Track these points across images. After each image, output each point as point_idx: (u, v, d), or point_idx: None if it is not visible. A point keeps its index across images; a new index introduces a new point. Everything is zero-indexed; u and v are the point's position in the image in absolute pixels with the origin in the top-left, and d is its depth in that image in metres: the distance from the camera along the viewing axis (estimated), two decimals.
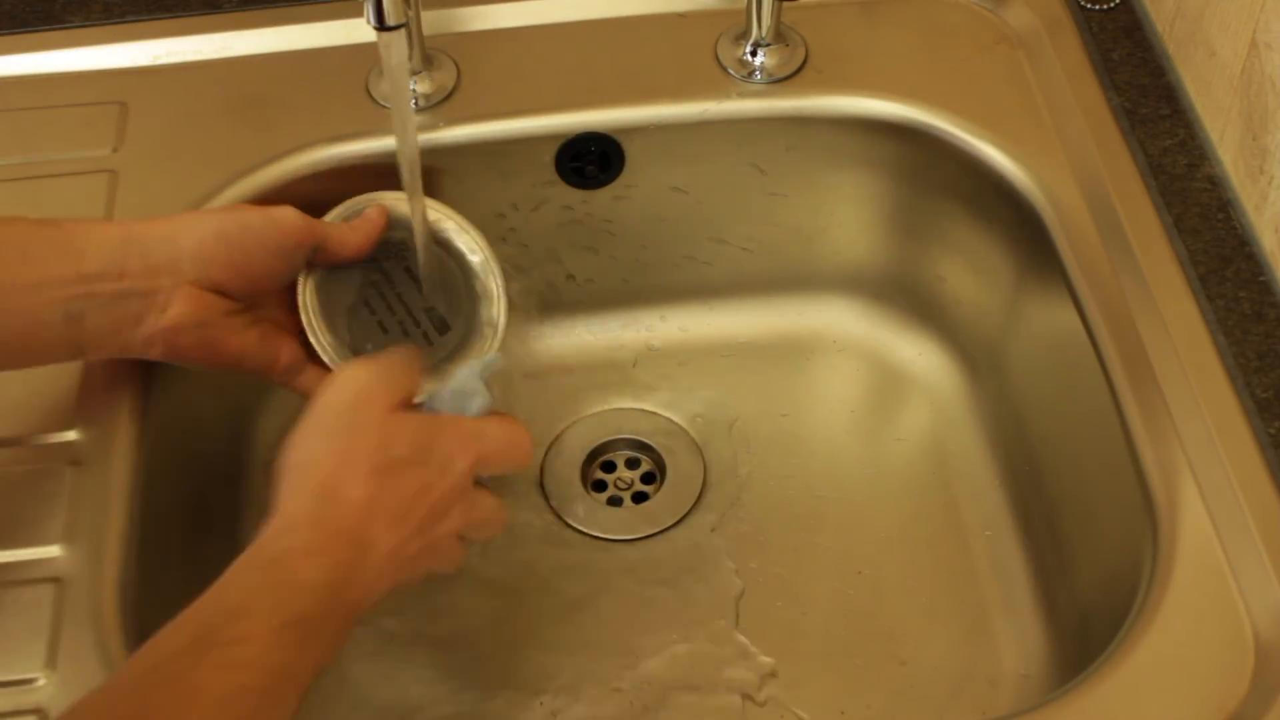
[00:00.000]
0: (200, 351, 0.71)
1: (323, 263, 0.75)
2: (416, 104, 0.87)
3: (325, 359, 0.74)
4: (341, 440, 0.63)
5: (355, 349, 0.75)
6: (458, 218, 0.80)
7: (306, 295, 0.75)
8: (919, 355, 0.95)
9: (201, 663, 0.54)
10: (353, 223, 0.76)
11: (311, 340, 0.74)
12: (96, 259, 0.67)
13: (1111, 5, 0.91)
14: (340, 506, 0.61)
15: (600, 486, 0.91)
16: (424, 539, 0.64)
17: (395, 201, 0.78)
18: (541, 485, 0.91)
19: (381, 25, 0.71)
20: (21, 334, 0.67)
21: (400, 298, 0.78)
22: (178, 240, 0.69)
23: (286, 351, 0.74)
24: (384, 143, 0.85)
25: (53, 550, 0.69)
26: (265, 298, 0.73)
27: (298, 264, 0.73)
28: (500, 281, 0.79)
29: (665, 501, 0.90)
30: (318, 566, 0.59)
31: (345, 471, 0.61)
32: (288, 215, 0.72)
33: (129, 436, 0.73)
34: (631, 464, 0.92)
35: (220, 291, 0.70)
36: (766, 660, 0.83)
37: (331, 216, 0.77)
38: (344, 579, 0.59)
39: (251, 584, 0.58)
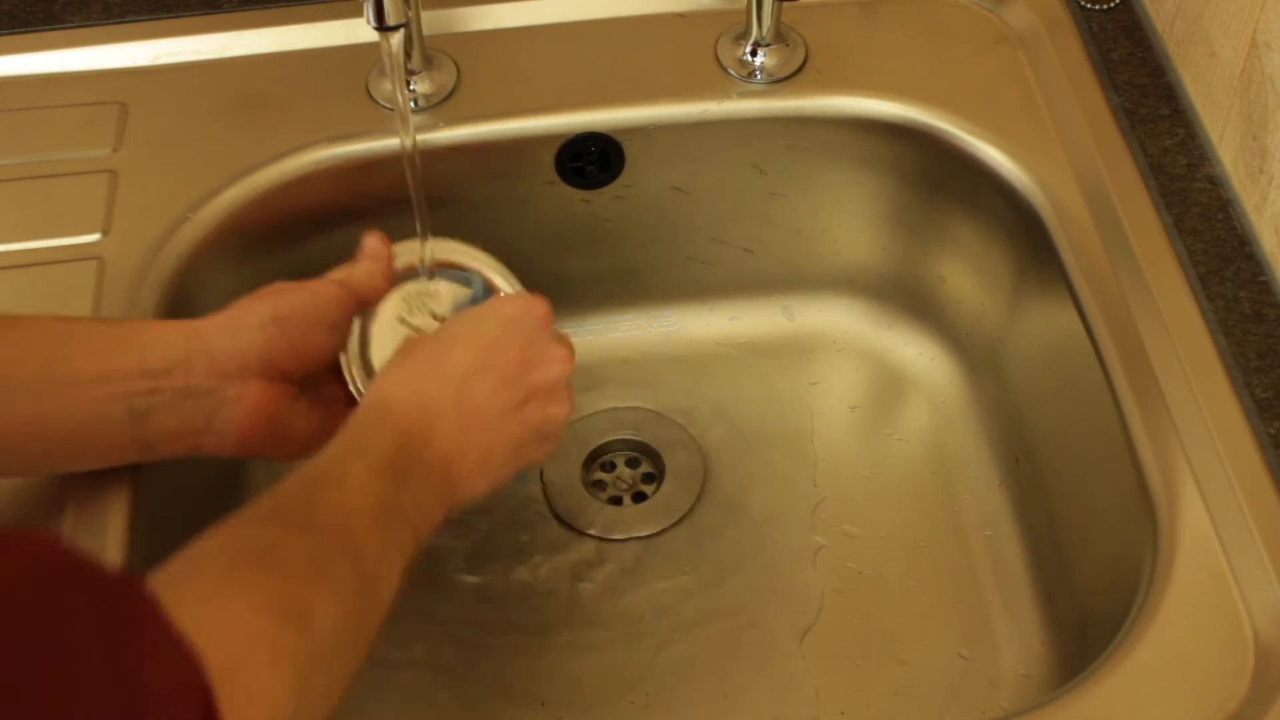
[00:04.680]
0: (272, 445, 0.70)
1: (361, 315, 0.74)
2: (416, 104, 0.87)
3: None
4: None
5: None
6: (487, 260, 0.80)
7: (350, 362, 0.74)
8: (919, 355, 0.95)
9: (314, 497, 0.59)
10: (363, 265, 0.75)
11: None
12: (160, 355, 0.66)
13: (1111, 5, 0.91)
14: (399, 390, 0.67)
15: (600, 486, 0.91)
16: (505, 397, 0.68)
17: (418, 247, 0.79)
18: (542, 485, 0.91)
19: (381, 25, 0.71)
20: (84, 429, 0.66)
21: None
22: (239, 334, 0.68)
23: None
24: (384, 143, 0.85)
25: None
26: (316, 376, 0.73)
27: (345, 334, 0.73)
28: None
29: (665, 501, 0.90)
30: (390, 427, 0.64)
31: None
32: (327, 286, 0.72)
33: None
34: (632, 464, 0.93)
35: (283, 378, 0.70)
36: (767, 660, 0.83)
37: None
38: (420, 434, 0.64)
39: (341, 448, 0.63)
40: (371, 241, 0.76)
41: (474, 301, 0.77)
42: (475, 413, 0.66)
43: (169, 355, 0.67)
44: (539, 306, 0.71)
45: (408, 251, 0.78)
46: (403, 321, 0.75)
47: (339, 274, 0.74)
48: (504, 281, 0.79)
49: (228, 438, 0.68)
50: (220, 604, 0.51)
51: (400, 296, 0.76)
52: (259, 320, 0.69)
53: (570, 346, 0.72)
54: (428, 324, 0.76)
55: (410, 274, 0.77)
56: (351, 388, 0.73)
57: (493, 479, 0.68)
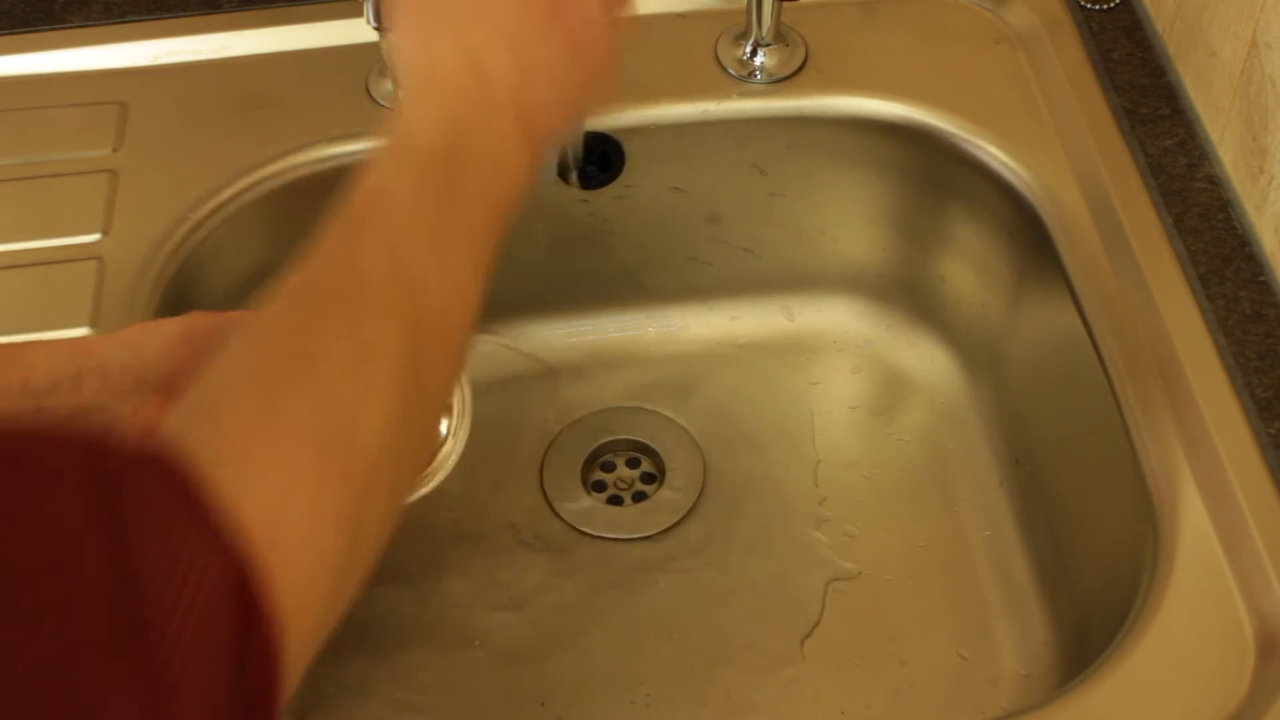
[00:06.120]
0: None
1: None
2: None
3: None
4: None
5: None
6: None
7: None
8: (919, 355, 0.95)
9: (355, 252, 0.52)
10: None
11: None
12: (46, 373, 0.63)
13: (1111, 5, 0.91)
14: (434, 49, 0.57)
15: (600, 486, 0.91)
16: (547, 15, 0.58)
17: None
18: (541, 485, 0.91)
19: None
20: None
21: None
22: (140, 349, 0.65)
23: None
24: None
25: None
26: None
27: None
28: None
29: (665, 501, 0.90)
30: (438, 95, 0.56)
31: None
32: (239, 316, 0.67)
33: None
34: (632, 464, 0.92)
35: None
36: (767, 660, 0.83)
37: None
38: (473, 89, 0.56)
39: (384, 158, 0.56)
40: None
41: None
42: (516, 29, 0.57)
43: (55, 372, 0.63)
44: None
45: None
46: None
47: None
48: None
49: None
50: (249, 441, 0.46)
51: None
52: (165, 338, 0.65)
53: None
54: None
55: None
56: None
57: (564, 98, 0.59)
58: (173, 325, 0.66)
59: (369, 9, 0.71)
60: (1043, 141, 0.85)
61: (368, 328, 0.50)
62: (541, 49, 0.58)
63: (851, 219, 0.94)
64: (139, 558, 0.38)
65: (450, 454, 0.75)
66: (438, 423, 0.52)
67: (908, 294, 0.95)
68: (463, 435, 0.75)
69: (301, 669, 0.45)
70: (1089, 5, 0.91)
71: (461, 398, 0.76)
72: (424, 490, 0.72)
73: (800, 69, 0.89)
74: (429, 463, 0.52)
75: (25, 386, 0.63)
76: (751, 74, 0.89)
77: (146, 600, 0.38)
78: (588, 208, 0.91)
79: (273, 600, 0.42)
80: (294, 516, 0.45)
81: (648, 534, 0.89)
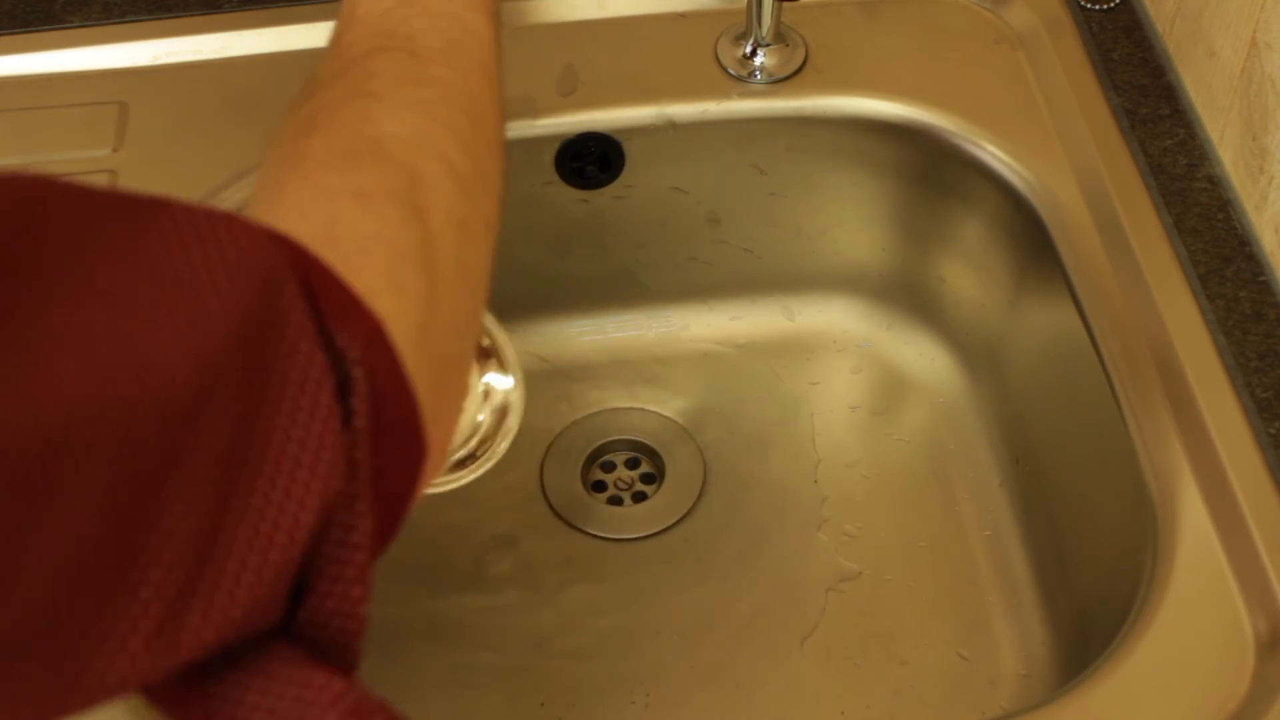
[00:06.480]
0: None
1: None
2: None
3: None
4: None
5: None
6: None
7: None
8: (919, 355, 0.95)
9: (338, 51, 0.55)
10: None
11: None
12: None
13: (1111, 5, 0.91)
14: None
15: (600, 486, 0.91)
16: None
17: None
18: (541, 485, 0.91)
19: None
20: None
21: None
22: None
23: None
24: None
25: None
26: None
27: None
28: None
29: (665, 501, 0.90)
30: None
31: None
32: None
33: None
34: (631, 464, 0.92)
35: None
36: (767, 660, 0.83)
37: None
38: None
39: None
40: None
41: None
42: None
43: None
44: None
45: None
46: None
47: None
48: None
49: None
50: (285, 193, 0.46)
51: None
52: None
53: None
54: None
55: None
56: None
57: None
58: None
59: None
60: (1043, 141, 0.85)
61: (360, 76, 0.52)
62: None
63: (851, 219, 0.94)
64: (181, 252, 0.37)
65: (497, 446, 0.75)
66: (483, 124, 0.53)
67: (908, 294, 0.95)
68: (508, 432, 0.75)
69: (447, 421, 0.44)
70: (1089, 5, 0.91)
71: (518, 386, 0.76)
72: (470, 478, 0.72)
73: (800, 69, 0.89)
74: (498, 155, 0.53)
75: None
76: (751, 74, 0.89)
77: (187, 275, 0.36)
78: (588, 208, 0.91)
79: (343, 283, 0.41)
80: (347, 222, 0.44)
81: (648, 534, 0.89)
